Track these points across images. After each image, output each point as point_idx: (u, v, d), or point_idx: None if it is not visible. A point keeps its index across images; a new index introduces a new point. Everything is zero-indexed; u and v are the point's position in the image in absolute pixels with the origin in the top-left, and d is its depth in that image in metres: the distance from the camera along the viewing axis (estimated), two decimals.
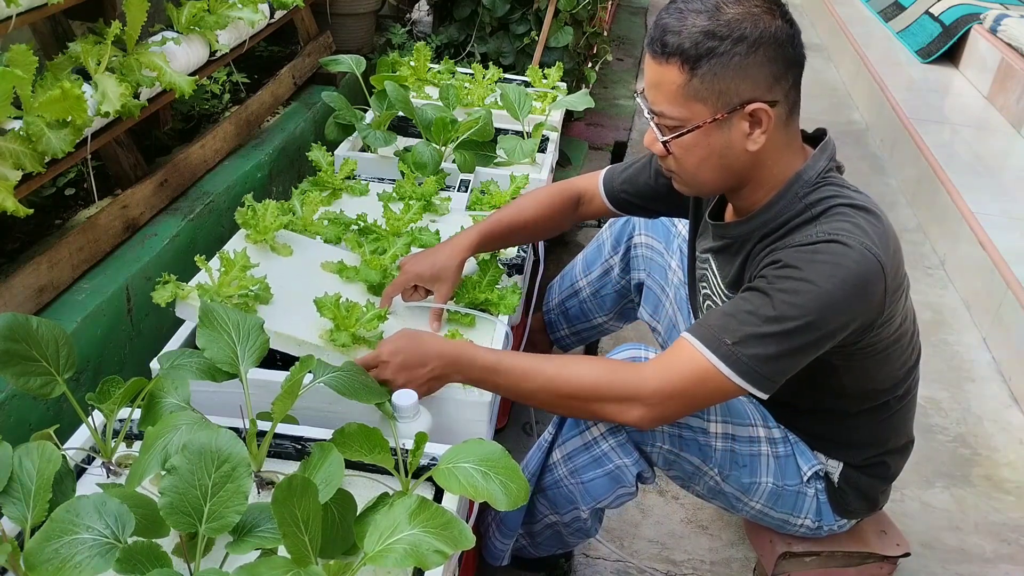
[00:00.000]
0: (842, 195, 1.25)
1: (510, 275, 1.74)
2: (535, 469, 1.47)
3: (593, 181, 1.67)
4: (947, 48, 4.44)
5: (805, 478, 1.44)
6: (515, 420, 2.06)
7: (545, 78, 2.57)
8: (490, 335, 1.53)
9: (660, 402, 1.23)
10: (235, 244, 1.58)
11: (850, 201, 1.24)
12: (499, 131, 2.14)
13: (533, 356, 1.31)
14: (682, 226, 1.77)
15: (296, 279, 1.53)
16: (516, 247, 1.81)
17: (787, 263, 1.20)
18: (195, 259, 1.43)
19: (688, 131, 1.21)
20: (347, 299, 1.42)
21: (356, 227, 1.74)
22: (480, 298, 1.58)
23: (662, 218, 1.79)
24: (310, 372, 1.13)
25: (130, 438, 1.23)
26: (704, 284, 1.48)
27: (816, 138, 1.33)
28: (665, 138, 1.24)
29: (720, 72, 1.17)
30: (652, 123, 1.26)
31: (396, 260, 1.62)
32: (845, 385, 1.35)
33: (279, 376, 1.32)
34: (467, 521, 1.25)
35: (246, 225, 1.60)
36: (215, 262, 1.45)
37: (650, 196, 1.61)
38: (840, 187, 1.27)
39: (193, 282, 1.43)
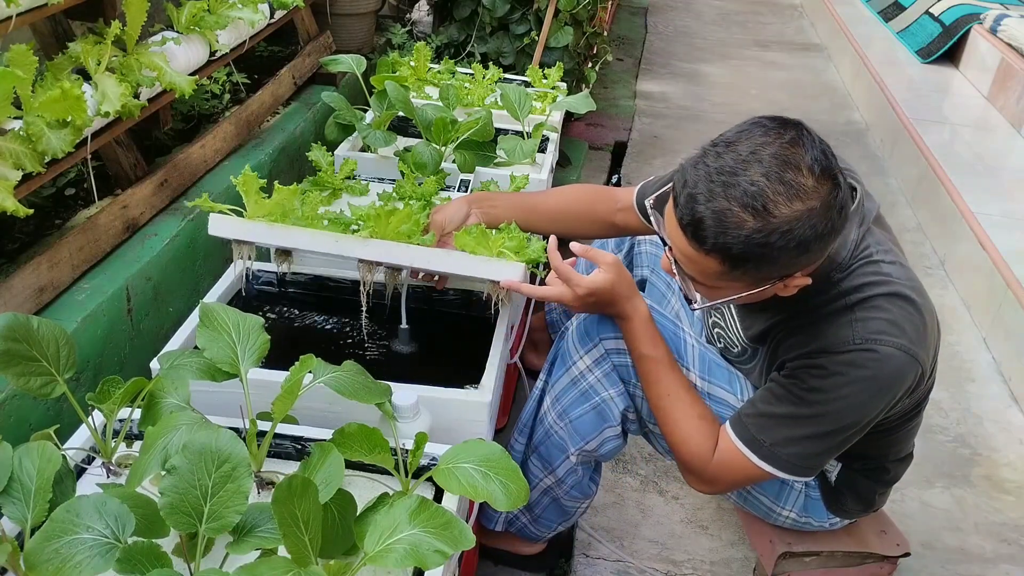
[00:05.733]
0: (878, 279, 1.21)
1: None
2: (527, 419, 1.50)
3: (631, 192, 1.64)
4: (947, 48, 4.44)
5: None
6: (515, 420, 2.05)
7: (545, 78, 2.57)
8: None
9: (716, 483, 1.35)
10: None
11: (886, 288, 1.20)
12: (499, 131, 2.14)
13: (671, 370, 1.35)
14: None
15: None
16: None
17: (822, 372, 1.21)
18: (231, 179, 1.45)
19: (724, 302, 1.21)
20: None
21: (356, 227, 1.74)
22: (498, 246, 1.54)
23: None
24: (310, 372, 1.13)
25: (130, 438, 1.23)
26: (717, 316, 1.49)
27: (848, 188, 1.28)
28: (697, 306, 1.23)
29: (766, 267, 1.11)
30: (678, 275, 1.22)
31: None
32: None
33: (279, 376, 1.32)
34: (467, 521, 1.25)
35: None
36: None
37: None
38: (876, 263, 1.22)
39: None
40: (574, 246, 1.36)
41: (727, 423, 1.32)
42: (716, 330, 1.49)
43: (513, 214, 1.62)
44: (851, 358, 1.19)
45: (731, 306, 1.43)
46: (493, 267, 1.39)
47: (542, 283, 1.97)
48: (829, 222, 1.08)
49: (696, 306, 1.22)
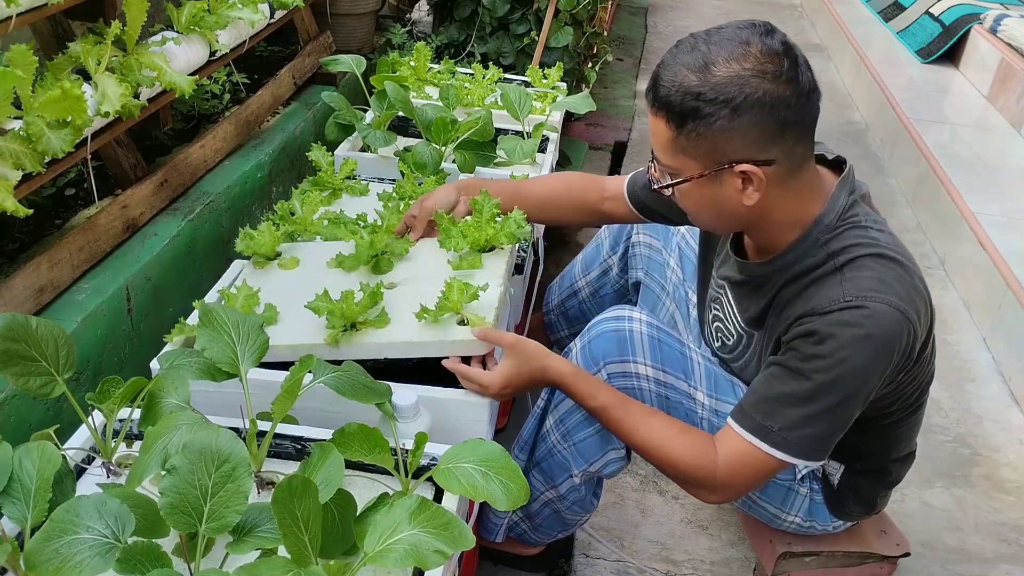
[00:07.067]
0: (865, 241, 1.22)
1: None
2: (528, 437, 1.49)
3: (620, 181, 1.65)
4: (947, 48, 4.44)
5: (798, 476, 1.44)
6: (515, 420, 2.05)
7: (545, 78, 2.57)
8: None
9: (729, 488, 1.31)
10: (236, 272, 1.62)
11: (874, 249, 1.21)
12: (499, 131, 2.14)
13: (626, 406, 1.34)
14: (684, 226, 1.76)
15: (302, 288, 1.50)
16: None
17: (816, 338, 1.20)
18: (194, 304, 1.41)
19: (680, 181, 1.22)
20: (340, 291, 1.40)
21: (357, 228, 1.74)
22: (482, 237, 1.57)
23: None
24: (310, 372, 1.13)
25: (130, 438, 1.23)
26: (717, 308, 1.48)
27: (838, 163, 1.30)
28: (659, 185, 1.26)
29: (704, 133, 1.15)
30: (653, 163, 1.27)
31: (389, 235, 1.63)
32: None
33: (279, 376, 1.31)
34: (467, 521, 1.25)
35: (248, 251, 1.60)
36: (213, 296, 1.49)
37: (668, 203, 1.60)
38: (864, 228, 1.23)
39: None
40: (474, 331, 1.36)
41: (729, 418, 1.28)
42: (715, 324, 1.49)
43: (500, 200, 1.64)
44: (843, 317, 1.18)
45: (728, 292, 1.43)
46: (453, 347, 1.38)
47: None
48: (762, 91, 1.12)
49: (656, 186, 1.26)
